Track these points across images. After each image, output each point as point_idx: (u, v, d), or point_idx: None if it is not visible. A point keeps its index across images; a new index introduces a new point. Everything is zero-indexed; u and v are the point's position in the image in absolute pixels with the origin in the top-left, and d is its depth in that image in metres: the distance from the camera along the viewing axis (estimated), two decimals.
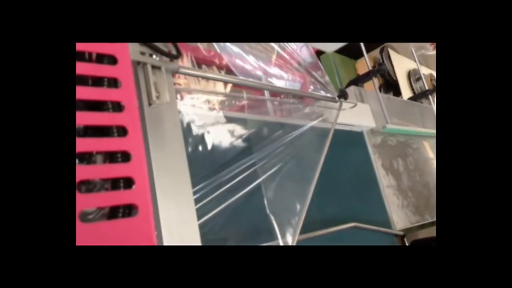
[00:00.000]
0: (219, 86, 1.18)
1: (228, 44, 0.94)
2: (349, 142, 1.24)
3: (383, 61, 1.85)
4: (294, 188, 0.97)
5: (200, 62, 1.23)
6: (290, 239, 0.82)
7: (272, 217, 0.85)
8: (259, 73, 1.04)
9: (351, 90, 1.33)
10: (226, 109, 0.94)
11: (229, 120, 0.90)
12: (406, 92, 1.85)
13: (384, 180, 1.25)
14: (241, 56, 0.99)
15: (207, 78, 0.80)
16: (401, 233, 1.23)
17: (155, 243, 0.28)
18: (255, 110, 1.00)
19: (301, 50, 1.17)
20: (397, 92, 1.84)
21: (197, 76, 0.80)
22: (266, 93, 1.11)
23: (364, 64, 1.86)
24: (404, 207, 1.29)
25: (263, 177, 0.89)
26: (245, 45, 0.98)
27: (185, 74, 0.70)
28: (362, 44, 1.46)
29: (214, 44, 0.95)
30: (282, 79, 1.08)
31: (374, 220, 1.14)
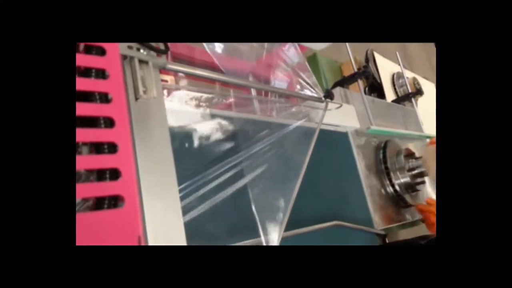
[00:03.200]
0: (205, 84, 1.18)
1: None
2: (334, 142, 1.26)
3: (367, 64, 1.88)
4: (279, 186, 0.98)
5: (184, 59, 1.22)
6: (274, 237, 0.82)
7: (257, 215, 0.86)
8: (246, 71, 1.04)
9: (337, 91, 1.35)
10: (213, 107, 0.94)
11: (216, 117, 0.90)
12: (390, 95, 1.89)
13: (367, 181, 1.27)
14: (229, 54, 0.99)
15: (195, 75, 0.80)
16: (383, 232, 1.25)
17: (141, 234, 0.28)
18: (242, 109, 1.00)
19: (289, 50, 1.18)
20: (381, 94, 1.87)
21: (184, 73, 0.80)
22: (253, 91, 1.11)
23: (350, 66, 1.89)
24: (386, 208, 1.32)
25: (249, 175, 0.90)
26: (233, 43, 0.98)
27: (172, 70, 0.70)
28: (348, 46, 1.49)
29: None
30: (269, 78, 1.08)
31: (356, 219, 1.16)
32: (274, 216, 0.87)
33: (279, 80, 1.18)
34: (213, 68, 1.05)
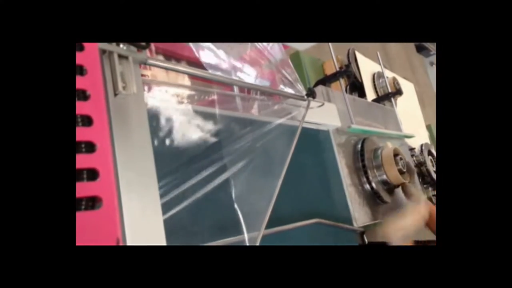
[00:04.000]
0: (188, 81, 1.17)
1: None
2: (315, 140, 1.27)
3: (349, 63, 1.91)
4: (261, 183, 0.98)
5: (167, 54, 1.20)
6: (256, 234, 0.82)
7: (239, 212, 0.86)
8: (228, 68, 1.03)
9: (319, 90, 1.36)
10: (195, 103, 0.93)
11: (198, 114, 0.89)
12: (370, 94, 1.92)
13: (347, 179, 1.29)
14: (212, 50, 0.98)
15: (176, 71, 0.79)
16: (361, 229, 1.28)
17: (119, 236, 0.27)
18: (225, 105, 1.00)
19: (272, 48, 1.18)
20: (362, 94, 1.90)
21: (165, 69, 0.78)
22: (236, 88, 1.11)
23: (332, 65, 1.91)
24: (364, 205, 1.34)
25: (231, 172, 0.89)
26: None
27: (153, 65, 0.68)
28: (330, 45, 1.50)
29: None
30: (251, 76, 1.08)
31: (337, 216, 1.18)
32: (256, 214, 0.87)
33: (262, 78, 1.18)
34: (196, 63, 1.04)
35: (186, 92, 1.04)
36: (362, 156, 1.37)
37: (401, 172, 1.37)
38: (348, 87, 1.95)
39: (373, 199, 1.38)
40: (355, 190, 1.32)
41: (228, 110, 0.99)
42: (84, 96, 0.30)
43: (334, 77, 1.42)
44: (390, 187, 1.40)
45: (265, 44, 1.16)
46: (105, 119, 0.31)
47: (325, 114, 1.27)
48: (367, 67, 2.03)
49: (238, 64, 1.03)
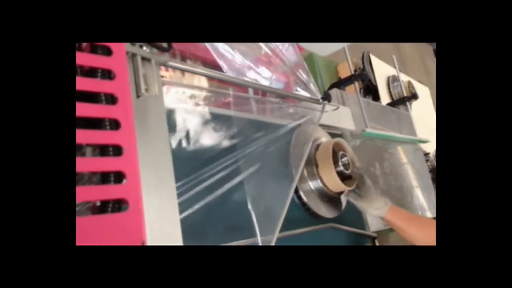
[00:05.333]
0: (204, 82, 1.17)
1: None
2: None
3: (364, 66, 1.89)
4: (276, 186, 0.98)
5: (183, 56, 1.21)
6: (269, 237, 0.82)
7: (253, 215, 0.86)
8: (244, 70, 1.03)
9: (333, 93, 1.35)
10: (211, 105, 0.93)
11: (214, 116, 0.90)
12: (384, 98, 1.90)
13: None
14: (228, 52, 0.98)
15: (195, 73, 0.79)
16: (374, 235, 1.26)
17: (145, 239, 0.28)
18: (240, 107, 1.00)
19: (287, 50, 1.18)
20: (376, 97, 1.88)
21: (185, 71, 0.79)
22: (250, 91, 1.11)
23: (346, 67, 1.89)
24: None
25: (246, 174, 0.89)
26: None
27: (173, 67, 0.69)
28: (346, 48, 1.49)
29: None
30: (267, 78, 1.08)
31: (350, 221, 1.17)
32: (269, 217, 0.87)
33: (277, 80, 1.18)
34: (211, 64, 1.04)
35: (202, 93, 1.04)
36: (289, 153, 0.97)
37: (342, 175, 0.96)
38: (362, 90, 1.93)
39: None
40: None
41: (243, 112, 0.99)
42: (112, 100, 0.30)
43: (349, 80, 1.41)
44: (331, 197, 1.02)
45: (280, 46, 1.16)
46: (132, 122, 0.31)
47: (340, 117, 1.27)
48: (382, 70, 2.01)
49: (254, 66, 1.03)
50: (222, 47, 0.96)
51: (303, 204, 0.96)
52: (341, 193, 1.01)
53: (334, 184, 0.95)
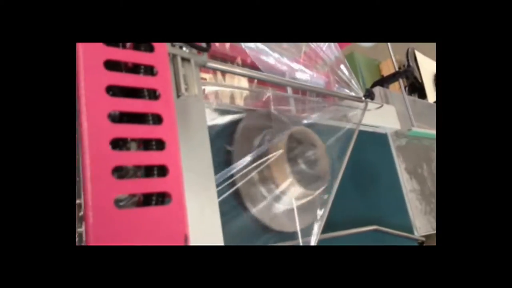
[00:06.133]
0: (243, 83, 1.18)
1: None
2: (372, 143, 1.21)
3: (409, 63, 1.81)
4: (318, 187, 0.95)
5: (224, 58, 1.23)
6: (311, 238, 0.80)
7: (295, 216, 0.84)
8: (283, 70, 1.03)
9: (376, 91, 1.30)
10: (250, 105, 0.93)
11: (253, 116, 0.90)
12: (431, 95, 1.80)
13: (408, 184, 1.22)
14: (266, 53, 0.98)
15: (235, 74, 0.80)
16: (422, 239, 1.19)
17: (187, 231, 0.28)
18: (280, 107, 0.99)
19: (327, 48, 1.15)
20: (422, 95, 1.79)
21: (224, 71, 0.80)
22: (289, 90, 1.10)
23: (389, 65, 1.81)
24: (427, 213, 1.25)
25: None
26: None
27: (212, 68, 0.70)
28: (389, 45, 1.43)
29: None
30: (307, 77, 1.06)
31: (395, 224, 1.11)
32: (311, 218, 0.85)
33: (317, 79, 1.16)
34: (251, 66, 1.05)
35: (241, 94, 1.05)
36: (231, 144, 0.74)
37: (297, 175, 0.71)
38: (407, 88, 1.84)
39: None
40: (417, 197, 1.24)
41: (283, 112, 0.98)
42: (155, 95, 0.31)
43: (393, 77, 1.35)
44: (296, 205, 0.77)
45: (320, 44, 1.14)
46: (174, 117, 0.31)
47: (383, 116, 1.21)
48: (428, 66, 1.90)
49: (294, 66, 1.02)
50: (262, 49, 0.96)
51: (251, 216, 0.70)
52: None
53: (291, 188, 0.68)
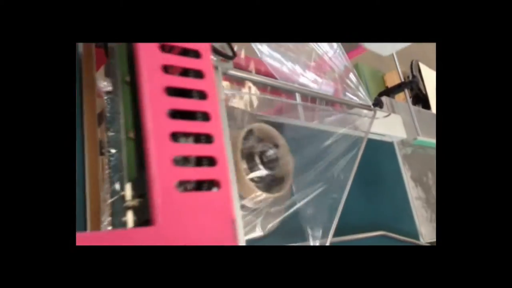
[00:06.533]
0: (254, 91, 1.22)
1: (268, 49, 0.97)
2: (379, 151, 1.25)
3: (413, 74, 1.86)
4: (326, 193, 0.98)
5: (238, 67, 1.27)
6: (322, 242, 0.83)
7: (305, 220, 0.87)
8: (294, 77, 1.07)
9: (383, 101, 1.34)
10: (261, 112, 0.97)
11: (265, 123, 0.93)
12: (435, 106, 1.85)
13: (413, 192, 1.25)
14: (279, 60, 1.02)
15: (253, 81, 0.84)
16: (429, 245, 1.22)
17: (234, 217, 0.31)
18: (290, 114, 1.03)
19: (336, 56, 1.19)
20: (426, 105, 1.83)
21: (243, 79, 0.84)
22: (298, 97, 1.13)
23: (393, 77, 1.86)
24: (432, 221, 1.28)
25: (297, 181, 0.91)
26: (283, 48, 1.01)
27: (233, 76, 0.74)
28: (394, 56, 1.48)
29: (255, 49, 0.98)
30: (316, 85, 1.10)
31: (402, 231, 1.14)
32: (321, 223, 0.88)
33: (326, 87, 1.20)
34: (265, 76, 1.09)
35: (254, 101, 1.09)
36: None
37: (262, 177, 0.68)
38: (411, 99, 1.89)
39: None
40: (422, 205, 1.27)
41: (293, 119, 1.02)
42: (203, 96, 0.35)
43: (398, 88, 1.38)
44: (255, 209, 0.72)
45: (329, 53, 1.18)
46: (219, 115, 0.35)
47: (390, 125, 1.25)
48: (432, 78, 1.95)
49: (304, 73, 1.06)
50: (274, 55, 1.00)
51: None
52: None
53: (247, 190, 0.62)
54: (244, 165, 0.64)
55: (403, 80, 1.49)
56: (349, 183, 0.95)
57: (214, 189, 0.32)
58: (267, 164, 0.67)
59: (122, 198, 0.38)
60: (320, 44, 1.18)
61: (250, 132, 0.67)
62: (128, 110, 0.40)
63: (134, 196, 0.38)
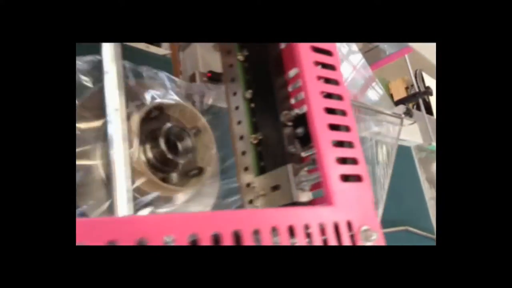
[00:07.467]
0: None
1: None
2: (398, 155, 1.36)
3: (417, 84, 1.99)
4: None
5: None
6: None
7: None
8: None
9: (400, 109, 1.45)
10: None
11: None
12: (435, 108, 1.98)
13: (429, 193, 1.37)
14: None
15: None
16: None
17: (373, 206, 0.40)
18: None
19: (361, 66, 1.29)
20: (429, 112, 1.96)
21: None
22: None
23: (398, 85, 1.99)
24: None
25: None
26: None
27: None
28: (408, 61, 1.60)
29: None
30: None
31: (421, 227, 1.25)
32: None
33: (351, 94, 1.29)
34: None
35: None
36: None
37: (167, 164, 0.51)
38: (414, 106, 2.02)
39: None
40: (435, 204, 1.39)
41: None
42: (343, 112, 0.43)
43: (413, 97, 1.51)
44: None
45: (354, 63, 1.27)
46: (355, 126, 0.43)
47: (408, 131, 1.37)
48: (434, 87, 2.09)
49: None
50: None
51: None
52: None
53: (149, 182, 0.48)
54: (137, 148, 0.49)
55: (405, 88, 1.61)
56: (386, 186, 1.05)
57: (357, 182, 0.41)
58: (177, 151, 0.53)
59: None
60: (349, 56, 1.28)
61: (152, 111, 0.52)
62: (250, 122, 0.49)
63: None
